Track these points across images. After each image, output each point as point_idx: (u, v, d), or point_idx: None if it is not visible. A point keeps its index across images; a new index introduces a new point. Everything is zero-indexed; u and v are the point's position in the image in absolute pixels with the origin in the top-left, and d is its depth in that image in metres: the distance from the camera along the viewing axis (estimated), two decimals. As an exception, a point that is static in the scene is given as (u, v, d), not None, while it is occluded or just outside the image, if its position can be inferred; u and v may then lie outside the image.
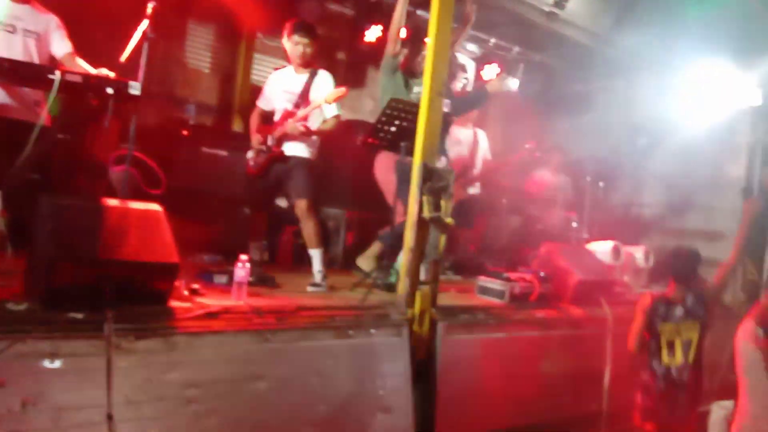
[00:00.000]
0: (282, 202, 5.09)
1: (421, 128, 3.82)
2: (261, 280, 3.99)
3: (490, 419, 3.90)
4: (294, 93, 4.42)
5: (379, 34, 6.28)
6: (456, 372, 3.76)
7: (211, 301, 3.30)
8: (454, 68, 5.20)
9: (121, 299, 2.73)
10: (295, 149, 4.34)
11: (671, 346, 3.70)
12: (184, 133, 5.38)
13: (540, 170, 6.92)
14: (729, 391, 3.85)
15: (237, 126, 6.23)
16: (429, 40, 3.88)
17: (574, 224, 6.22)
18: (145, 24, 3.48)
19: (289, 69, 4.54)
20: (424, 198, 3.70)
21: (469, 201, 6.07)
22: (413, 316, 3.66)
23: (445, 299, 4.08)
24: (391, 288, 4.12)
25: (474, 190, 6.28)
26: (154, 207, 3.21)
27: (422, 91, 4.56)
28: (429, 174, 3.74)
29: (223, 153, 5.45)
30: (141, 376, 2.70)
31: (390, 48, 4.63)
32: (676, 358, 3.67)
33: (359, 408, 3.36)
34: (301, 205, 4.25)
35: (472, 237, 6.26)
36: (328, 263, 4.56)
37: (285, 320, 3.29)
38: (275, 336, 3.16)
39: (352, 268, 4.85)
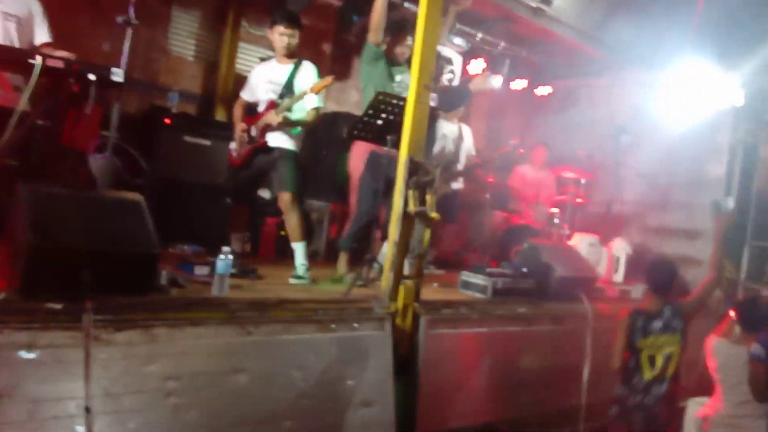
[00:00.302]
0: (265, 194, 5.05)
1: (407, 122, 3.80)
2: (243, 272, 3.95)
3: (471, 413, 3.92)
4: (278, 84, 4.37)
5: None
6: (438, 366, 3.77)
7: (193, 293, 3.27)
8: (440, 61, 5.20)
9: (101, 289, 2.67)
10: (280, 140, 4.30)
11: (652, 360, 3.59)
12: (167, 121, 5.30)
13: (523, 166, 6.95)
14: (706, 387, 3.92)
15: (220, 115, 6.15)
16: (417, 32, 3.85)
17: (556, 220, 6.25)
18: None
19: (273, 60, 4.51)
20: (410, 192, 3.69)
21: (452, 196, 6.07)
22: (396, 310, 3.66)
23: (428, 293, 4.07)
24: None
25: (457, 185, 6.28)
26: (135, 196, 3.18)
27: (405, 80, 4.58)
28: (415, 168, 3.73)
29: (206, 142, 5.39)
30: (120, 368, 2.66)
31: (372, 37, 4.59)
32: (656, 372, 3.58)
33: (341, 402, 3.34)
34: (285, 198, 4.22)
35: (455, 232, 6.26)
36: (311, 256, 4.54)
37: (267, 313, 3.26)
38: (257, 329, 3.13)
39: (335, 261, 4.82)
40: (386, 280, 3.75)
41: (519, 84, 7.45)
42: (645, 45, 5.95)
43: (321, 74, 4.36)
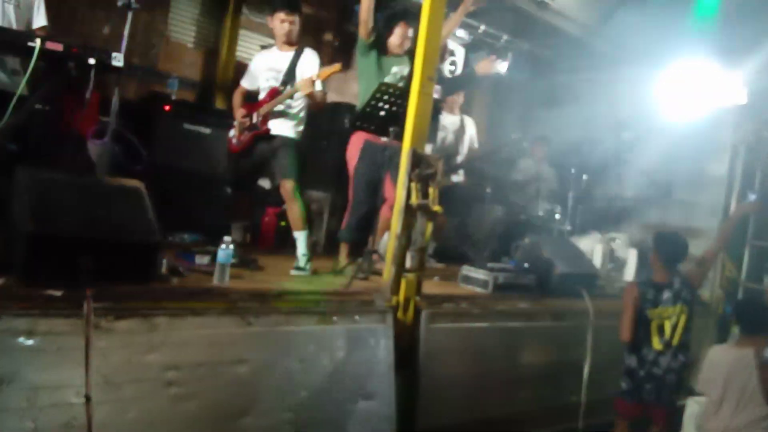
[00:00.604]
0: (265, 183, 5.00)
1: (410, 113, 3.75)
2: (243, 262, 3.91)
3: (471, 408, 3.90)
4: (280, 71, 4.32)
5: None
6: (439, 360, 3.74)
7: (193, 282, 3.23)
8: (442, 51, 5.13)
9: (101, 277, 2.63)
10: (281, 128, 4.26)
11: (661, 330, 3.70)
12: (166, 108, 5.24)
13: (525, 160, 6.91)
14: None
15: (220, 103, 6.09)
16: (421, 23, 3.80)
17: (558, 216, 6.22)
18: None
19: (274, 48, 4.46)
20: (412, 185, 3.65)
21: (453, 189, 6.03)
22: (398, 304, 3.63)
23: (429, 287, 4.04)
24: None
25: (458, 177, 6.25)
26: (135, 183, 3.13)
27: (402, 71, 4.53)
28: (418, 160, 3.69)
29: (206, 130, 5.33)
30: (120, 356, 2.63)
31: (362, 30, 4.50)
32: (665, 342, 3.67)
33: (341, 394, 3.32)
34: (287, 186, 4.17)
35: (456, 225, 6.23)
36: (311, 247, 4.50)
37: (268, 304, 3.22)
38: (258, 320, 3.10)
39: (335, 252, 4.78)
40: (388, 272, 3.72)
41: (521, 77, 7.40)
42: (648, 41, 5.92)
43: (322, 64, 4.31)
